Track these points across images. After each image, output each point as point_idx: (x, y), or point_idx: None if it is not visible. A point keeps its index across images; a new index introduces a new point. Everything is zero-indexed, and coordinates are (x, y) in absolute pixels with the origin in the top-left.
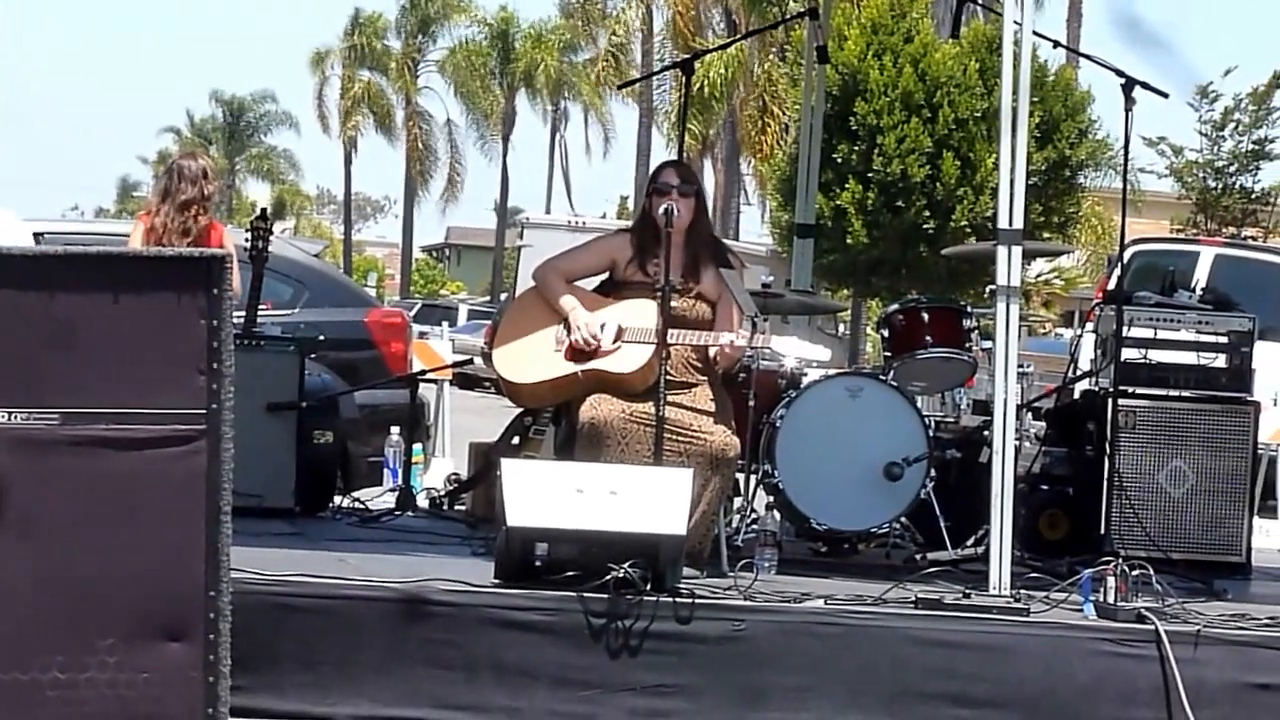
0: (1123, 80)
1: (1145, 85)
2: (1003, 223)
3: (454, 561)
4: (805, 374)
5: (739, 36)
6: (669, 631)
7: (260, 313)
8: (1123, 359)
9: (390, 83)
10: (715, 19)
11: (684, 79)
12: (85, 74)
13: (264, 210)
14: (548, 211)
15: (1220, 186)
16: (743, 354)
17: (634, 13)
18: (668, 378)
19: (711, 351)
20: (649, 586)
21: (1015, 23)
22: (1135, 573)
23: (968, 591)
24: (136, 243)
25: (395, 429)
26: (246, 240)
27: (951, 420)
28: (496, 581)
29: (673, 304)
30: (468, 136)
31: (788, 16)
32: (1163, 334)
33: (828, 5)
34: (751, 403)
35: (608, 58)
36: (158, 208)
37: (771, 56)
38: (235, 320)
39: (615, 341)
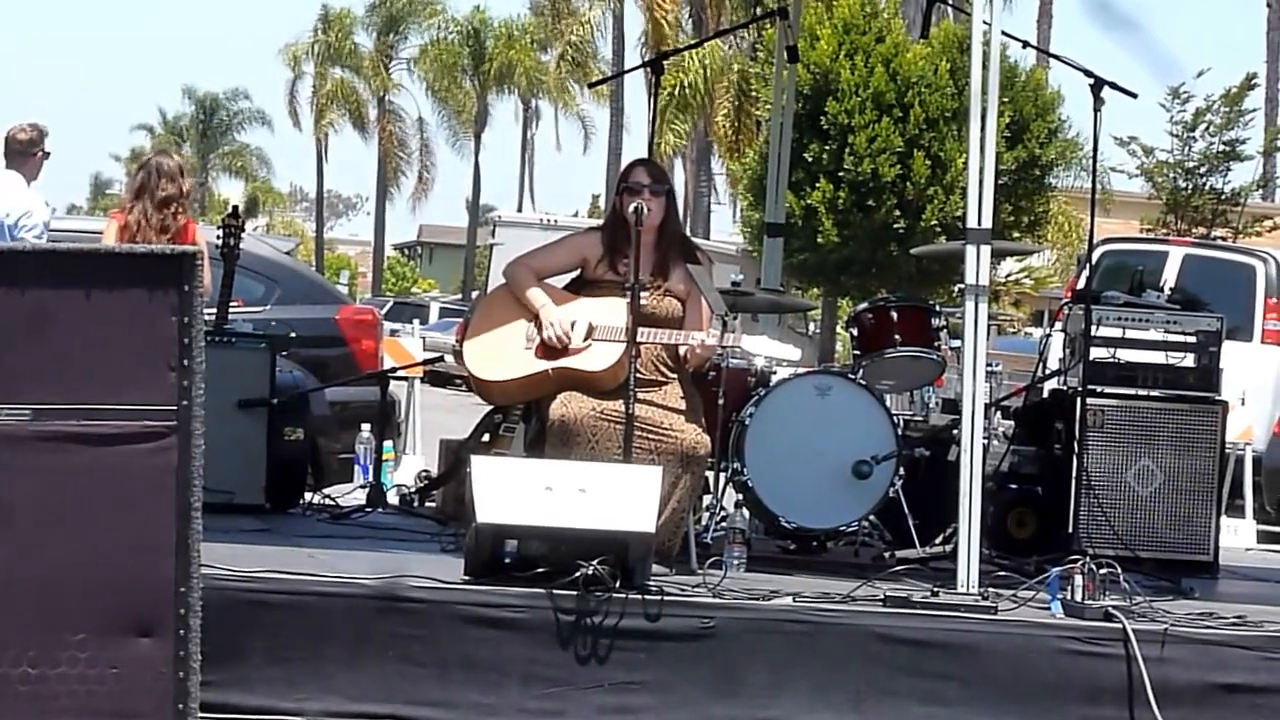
0: (1092, 80)
1: (1114, 86)
2: (972, 222)
3: (424, 558)
4: (775, 372)
5: (707, 36)
6: (638, 629)
7: (231, 310)
8: (1091, 358)
9: (363, 80)
10: (684, 18)
11: (654, 78)
12: (59, 71)
13: (236, 208)
14: (519, 210)
15: (1190, 187)
16: (713, 353)
17: (597, 12)
18: (638, 376)
19: (682, 350)
20: (618, 584)
21: (984, 23)
22: (1103, 571)
23: (936, 590)
24: (110, 240)
25: (366, 426)
26: (218, 238)
27: (920, 419)
28: (466, 578)
29: (642, 301)
30: (439, 134)
31: (757, 16)
32: (1131, 333)
33: (798, 5)
34: (721, 401)
35: (566, 56)
36: (131, 205)
37: (742, 56)
38: (206, 317)
39: (586, 339)
